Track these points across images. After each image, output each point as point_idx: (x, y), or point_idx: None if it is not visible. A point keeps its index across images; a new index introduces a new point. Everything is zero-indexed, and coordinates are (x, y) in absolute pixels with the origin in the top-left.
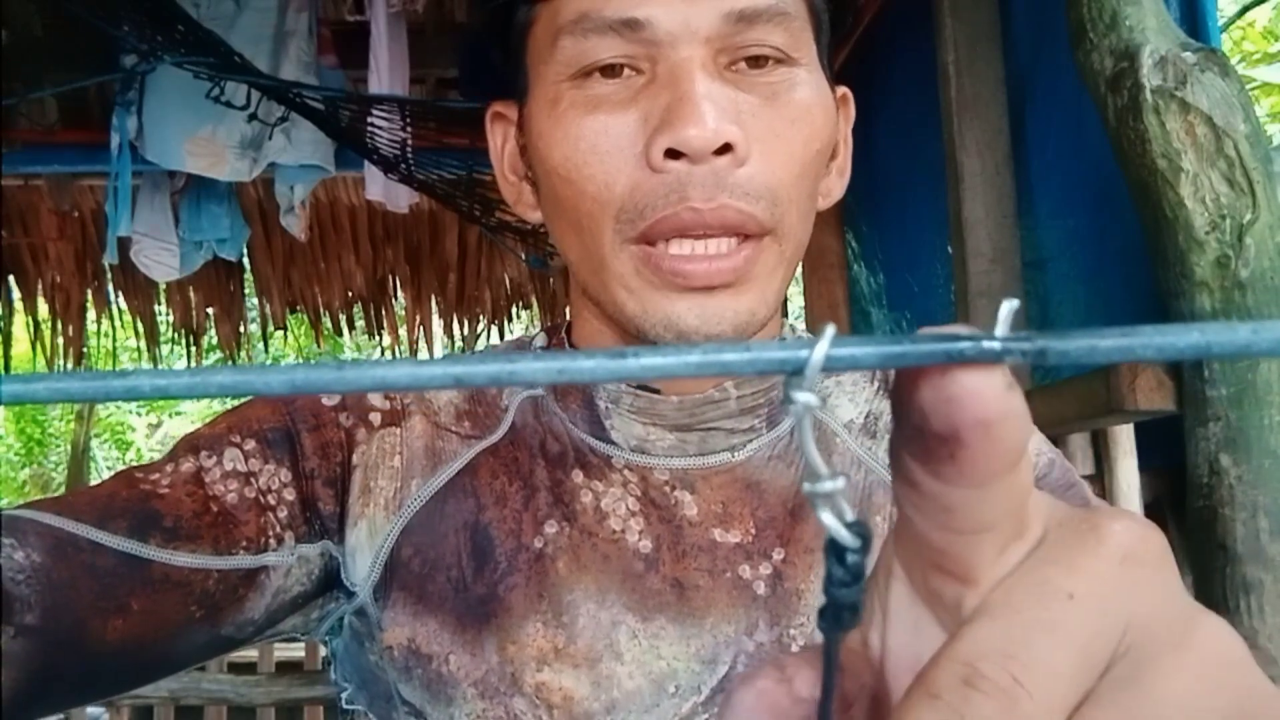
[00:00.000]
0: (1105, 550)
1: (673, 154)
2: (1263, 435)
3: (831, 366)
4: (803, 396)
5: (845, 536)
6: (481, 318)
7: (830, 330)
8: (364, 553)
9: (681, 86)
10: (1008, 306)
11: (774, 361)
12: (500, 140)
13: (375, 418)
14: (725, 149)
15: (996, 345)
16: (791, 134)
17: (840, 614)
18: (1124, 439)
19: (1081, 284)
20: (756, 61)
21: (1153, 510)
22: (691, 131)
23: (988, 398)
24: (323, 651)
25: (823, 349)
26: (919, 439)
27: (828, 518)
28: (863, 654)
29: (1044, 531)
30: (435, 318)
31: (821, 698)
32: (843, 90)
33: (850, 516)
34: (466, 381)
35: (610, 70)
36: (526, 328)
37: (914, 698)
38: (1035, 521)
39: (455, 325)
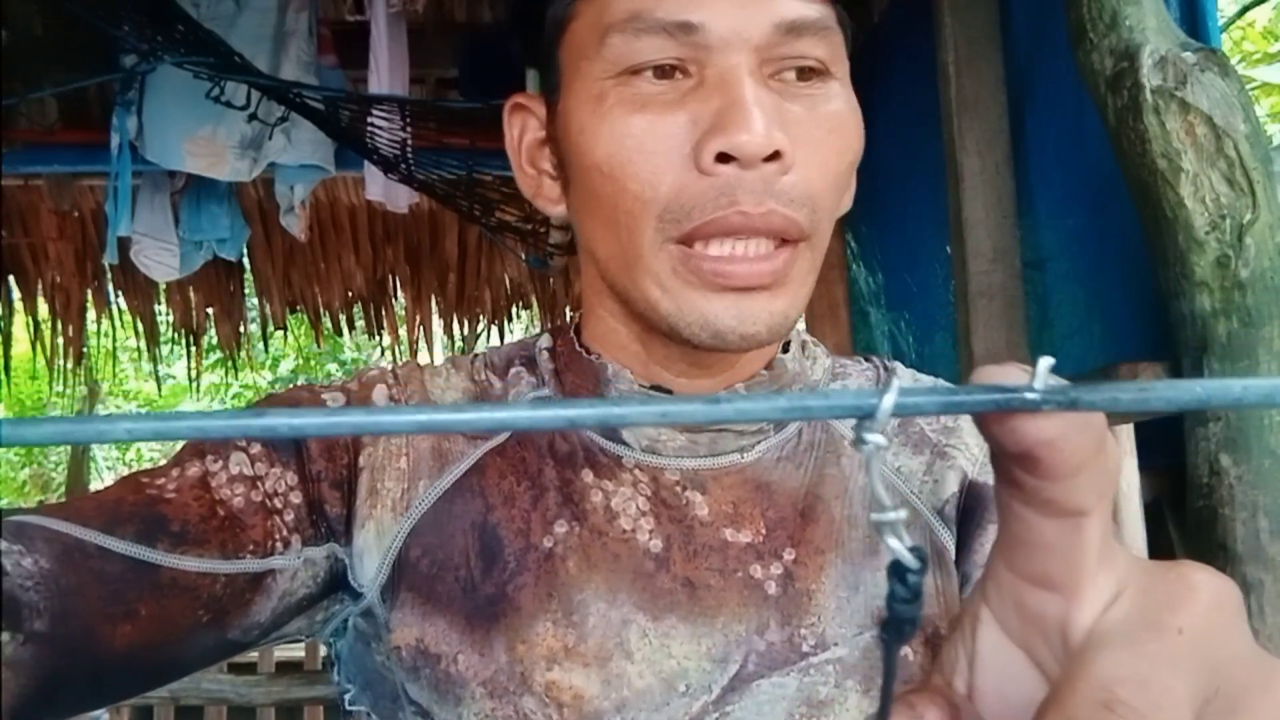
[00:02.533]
0: (1198, 595)
1: (724, 158)
2: (1263, 435)
3: (899, 413)
4: (873, 438)
5: (908, 559)
6: (481, 318)
7: (896, 381)
8: (372, 554)
9: (733, 92)
10: (1045, 363)
11: (849, 408)
12: (518, 132)
13: None
14: (774, 156)
15: (1036, 396)
16: (829, 144)
17: (902, 627)
18: (1124, 439)
19: (1081, 284)
20: (796, 72)
21: (1153, 510)
22: (744, 137)
23: (1043, 422)
24: (323, 651)
25: (891, 398)
26: (1007, 455)
27: (893, 542)
28: (964, 697)
29: (1127, 571)
30: (435, 318)
31: (880, 703)
32: None
33: (910, 542)
34: (579, 423)
35: (656, 70)
36: (526, 328)
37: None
38: (1119, 555)
39: (455, 325)
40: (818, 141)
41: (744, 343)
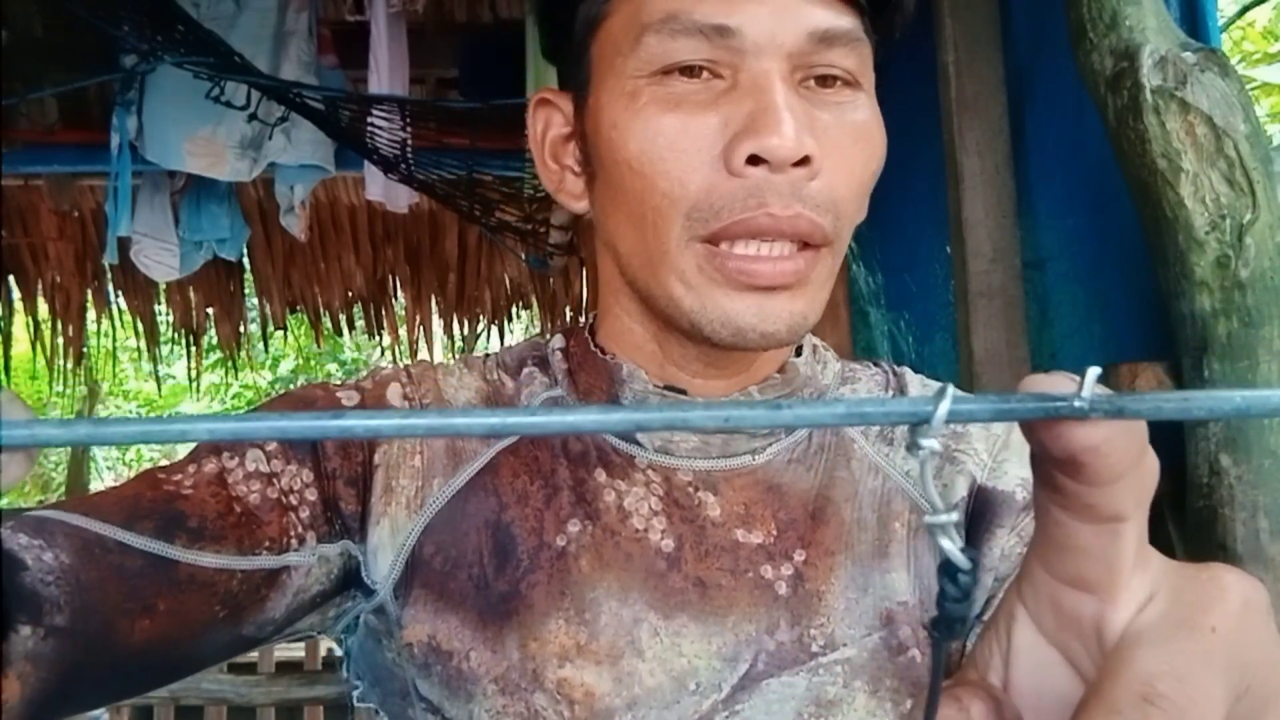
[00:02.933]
0: (1229, 596)
1: (754, 160)
2: (1263, 435)
3: (954, 419)
4: (928, 443)
5: (960, 559)
6: (481, 318)
7: (950, 389)
8: (386, 551)
9: (766, 96)
10: (1093, 373)
11: (906, 414)
12: (541, 126)
13: None
14: (803, 161)
15: (1085, 405)
16: (855, 153)
17: (952, 625)
18: None
19: (1081, 284)
20: (825, 81)
21: (1153, 510)
22: (775, 141)
23: (1089, 428)
24: (322, 652)
25: (945, 405)
26: (1052, 460)
27: (946, 543)
28: (1002, 691)
29: (1161, 573)
30: (435, 318)
31: (928, 697)
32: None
33: (961, 543)
34: (645, 426)
35: (690, 71)
36: (526, 328)
37: (1093, 713)
38: (1153, 557)
39: (455, 325)
40: (844, 150)
41: (764, 341)
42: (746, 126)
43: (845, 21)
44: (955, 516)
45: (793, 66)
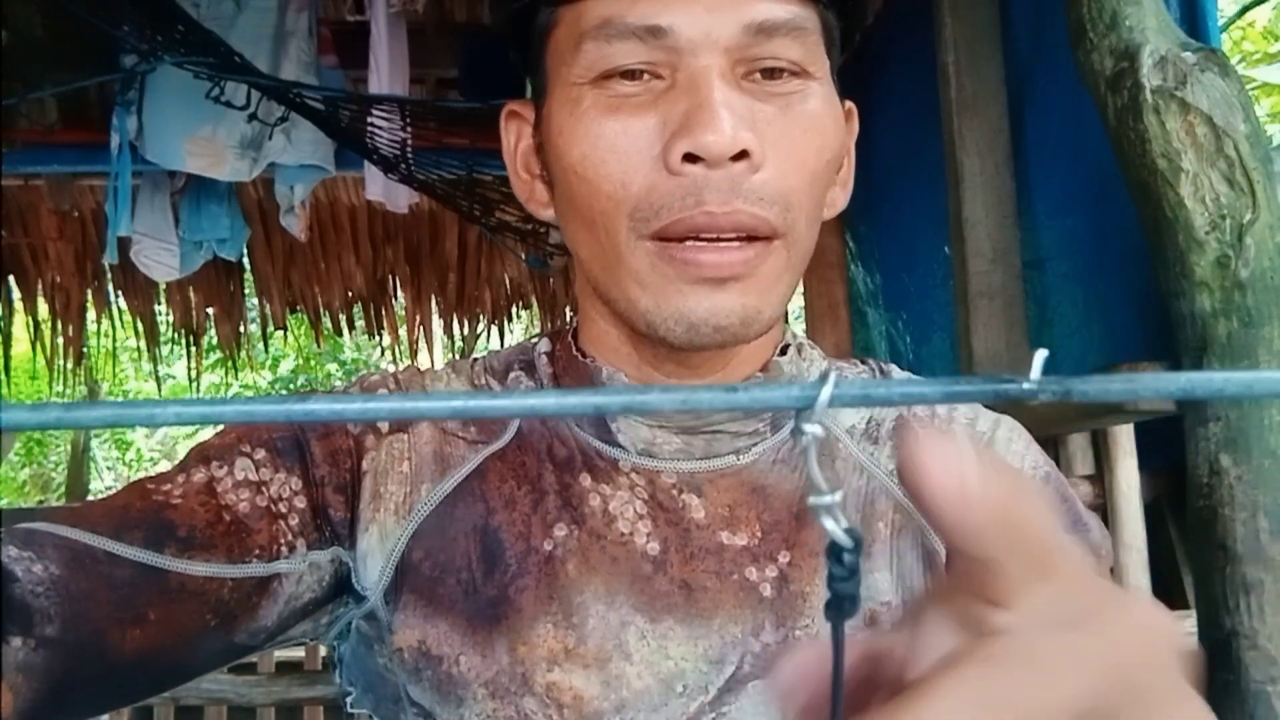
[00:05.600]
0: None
1: (691, 158)
2: (1263, 435)
3: (855, 403)
4: (810, 428)
5: (843, 539)
6: (481, 318)
7: (833, 376)
8: (375, 557)
9: (701, 93)
10: (1040, 355)
11: (795, 398)
12: (514, 138)
13: (383, 424)
14: (741, 155)
15: (1034, 386)
16: (804, 143)
17: (842, 604)
18: (1124, 439)
19: (1081, 284)
20: (771, 73)
21: (1153, 510)
22: (710, 137)
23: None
24: (322, 652)
25: (828, 391)
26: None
27: (829, 524)
28: (900, 657)
29: (1067, 579)
30: (435, 318)
31: (833, 682)
32: (849, 105)
33: (845, 524)
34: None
35: (630, 74)
36: (526, 328)
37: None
38: (1061, 567)
39: (455, 325)
40: (793, 140)
41: (717, 336)
42: (682, 125)
43: (784, 11)
44: (838, 497)
45: (733, 61)
